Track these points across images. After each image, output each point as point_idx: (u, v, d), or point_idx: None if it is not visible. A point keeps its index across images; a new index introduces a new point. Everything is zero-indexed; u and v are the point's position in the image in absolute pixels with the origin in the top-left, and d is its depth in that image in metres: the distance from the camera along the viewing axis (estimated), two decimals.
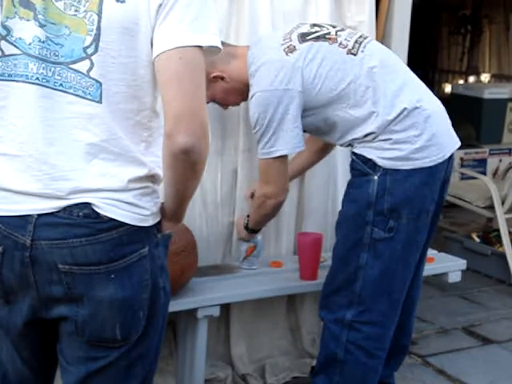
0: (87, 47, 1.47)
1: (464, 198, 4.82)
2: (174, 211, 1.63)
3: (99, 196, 1.49)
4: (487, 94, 6.09)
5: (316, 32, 2.44)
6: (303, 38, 2.42)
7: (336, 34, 2.44)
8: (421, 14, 4.48)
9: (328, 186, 3.14)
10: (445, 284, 3.47)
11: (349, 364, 2.50)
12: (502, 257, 4.43)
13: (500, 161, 6.04)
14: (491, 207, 4.60)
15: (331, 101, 2.38)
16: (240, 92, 2.54)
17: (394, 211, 2.37)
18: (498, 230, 4.54)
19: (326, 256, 2.98)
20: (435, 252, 3.21)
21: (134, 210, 1.52)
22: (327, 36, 2.43)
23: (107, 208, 1.50)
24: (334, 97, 2.38)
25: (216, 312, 2.63)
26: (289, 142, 2.39)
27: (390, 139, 2.36)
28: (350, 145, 2.47)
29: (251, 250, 2.86)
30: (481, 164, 5.93)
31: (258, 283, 2.80)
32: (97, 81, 1.48)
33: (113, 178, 1.50)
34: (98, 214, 1.49)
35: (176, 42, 1.45)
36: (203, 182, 2.86)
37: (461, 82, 8.52)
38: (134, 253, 1.53)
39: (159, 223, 1.61)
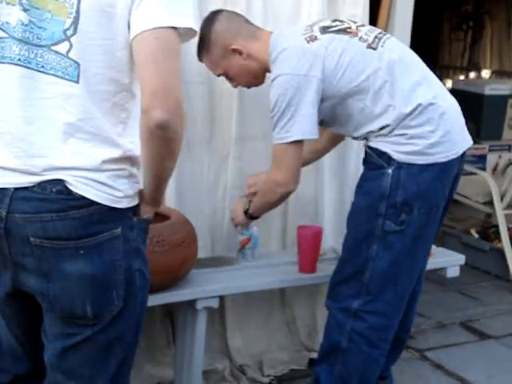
0: (67, 29, 1.54)
1: (463, 194, 4.83)
2: (151, 194, 1.67)
3: (72, 174, 1.55)
4: (488, 90, 6.09)
5: (337, 26, 2.48)
6: (324, 30, 2.45)
7: (357, 29, 2.48)
8: (422, 10, 4.47)
9: (316, 177, 3.16)
10: (443, 279, 3.48)
11: (351, 353, 2.51)
12: (501, 252, 4.44)
13: (500, 157, 6.03)
14: (490, 203, 4.62)
15: (350, 92, 2.40)
16: (254, 73, 2.57)
17: (407, 205, 2.39)
18: (496, 226, 4.55)
19: (326, 249, 3.00)
20: (434, 247, 3.21)
21: (107, 191, 1.57)
22: (348, 30, 2.46)
23: (80, 186, 1.55)
24: (353, 88, 2.39)
25: (215, 304, 2.64)
26: (304, 127, 2.39)
27: (406, 134, 2.37)
28: (365, 138, 2.48)
29: (245, 243, 2.87)
30: (480, 160, 5.93)
31: (258, 275, 2.81)
32: (75, 61, 1.54)
33: (87, 158, 1.55)
34: (70, 191, 1.54)
35: (151, 23, 1.51)
36: (190, 169, 2.88)
37: (462, 77, 8.51)
38: (104, 232, 1.58)
39: (137, 207, 1.66)
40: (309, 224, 2.99)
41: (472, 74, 8.55)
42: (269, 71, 2.53)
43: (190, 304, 2.61)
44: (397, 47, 2.49)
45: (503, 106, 6.14)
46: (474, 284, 4.42)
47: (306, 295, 3.22)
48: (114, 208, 1.58)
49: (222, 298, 2.85)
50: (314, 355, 3.12)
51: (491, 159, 6.02)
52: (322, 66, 2.37)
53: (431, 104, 2.39)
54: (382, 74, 2.38)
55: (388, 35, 2.53)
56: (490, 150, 6.02)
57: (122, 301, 1.64)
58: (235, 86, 2.69)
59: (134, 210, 1.65)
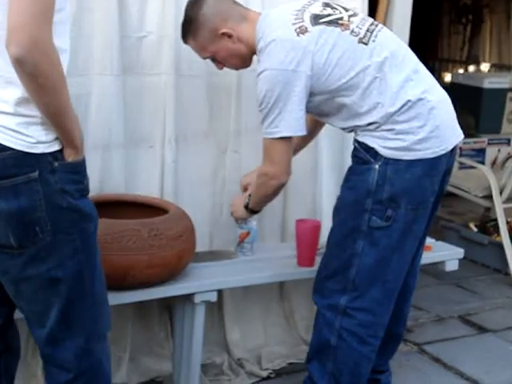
0: None
1: (462, 188, 4.83)
2: (59, 135, 1.75)
3: None
4: (487, 84, 6.09)
5: (329, 15, 2.41)
6: (316, 20, 2.38)
7: (348, 20, 2.41)
8: (422, 3, 4.46)
9: (315, 171, 3.16)
10: (441, 272, 3.48)
11: (342, 350, 2.51)
12: (499, 246, 4.44)
13: (499, 151, 6.04)
14: (489, 197, 4.61)
15: (339, 89, 2.37)
16: (242, 57, 2.53)
17: (393, 201, 2.37)
18: (495, 220, 4.55)
19: (324, 243, 2.99)
20: (433, 241, 3.22)
21: (18, 137, 1.70)
22: (340, 22, 2.40)
23: None
24: (342, 85, 2.36)
25: (213, 297, 2.64)
26: (292, 124, 2.37)
27: (393, 129, 2.35)
28: (352, 131, 2.46)
29: (244, 236, 2.87)
30: (479, 153, 5.93)
31: (256, 269, 2.81)
32: None
33: None
34: None
35: None
36: (187, 163, 2.88)
37: (461, 71, 8.50)
38: (20, 175, 1.71)
39: (60, 152, 1.77)
40: (307, 218, 2.99)
41: (471, 68, 8.54)
42: (256, 54, 2.48)
43: (188, 298, 2.61)
44: (389, 40, 2.44)
45: (502, 99, 6.15)
46: (473, 278, 4.42)
47: (305, 289, 3.21)
48: (29, 153, 1.71)
49: (220, 292, 2.85)
50: None
51: (490, 153, 6.03)
52: (311, 61, 2.33)
53: (420, 99, 2.35)
54: (372, 71, 2.35)
55: (380, 26, 2.47)
56: (488, 144, 6.03)
57: (49, 234, 1.77)
58: (221, 68, 2.62)
59: (56, 154, 1.76)
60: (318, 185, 3.17)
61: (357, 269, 2.44)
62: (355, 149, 2.45)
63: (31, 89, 1.66)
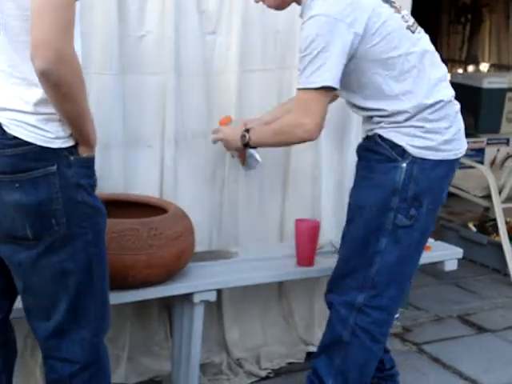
0: None
1: (461, 187, 4.82)
2: (76, 135, 1.82)
3: (7, 116, 1.77)
4: (486, 84, 6.08)
5: None
6: None
7: (400, 8, 2.42)
8: (421, 2, 4.46)
9: (314, 171, 3.15)
10: (440, 272, 3.48)
11: (353, 347, 2.50)
12: (498, 246, 4.45)
13: (498, 150, 6.04)
14: (488, 196, 4.61)
15: (378, 63, 2.32)
16: None
17: (416, 199, 2.38)
18: (494, 220, 4.55)
19: (323, 243, 2.99)
20: (432, 240, 3.21)
21: (38, 132, 1.76)
22: (394, 4, 2.40)
23: (12, 128, 1.76)
24: (381, 60, 2.32)
25: (212, 297, 2.64)
26: (335, 75, 2.27)
27: (423, 127, 2.35)
28: (371, 117, 2.40)
29: (243, 156, 2.77)
30: (478, 153, 5.93)
31: (255, 269, 2.81)
32: None
33: (20, 101, 1.76)
34: (4, 131, 1.76)
35: None
36: (187, 163, 2.88)
37: (460, 71, 8.50)
38: (39, 168, 1.78)
39: (74, 147, 1.83)
40: (307, 218, 2.98)
41: (470, 67, 8.55)
42: (298, 3, 2.41)
43: (187, 297, 2.61)
44: (428, 40, 2.46)
45: (501, 99, 6.14)
46: (472, 277, 4.42)
47: (304, 289, 3.22)
48: (47, 147, 1.77)
49: (219, 292, 2.84)
50: (312, 349, 3.12)
51: (489, 152, 6.03)
52: (365, 23, 2.27)
53: (450, 101, 2.41)
54: (413, 59, 2.34)
55: (420, 27, 2.46)
56: (488, 144, 6.03)
57: (64, 227, 1.83)
58: (257, 1, 2.50)
59: (71, 149, 1.82)
60: (318, 185, 3.17)
61: (378, 267, 2.43)
62: (377, 144, 2.40)
63: (55, 98, 1.72)
